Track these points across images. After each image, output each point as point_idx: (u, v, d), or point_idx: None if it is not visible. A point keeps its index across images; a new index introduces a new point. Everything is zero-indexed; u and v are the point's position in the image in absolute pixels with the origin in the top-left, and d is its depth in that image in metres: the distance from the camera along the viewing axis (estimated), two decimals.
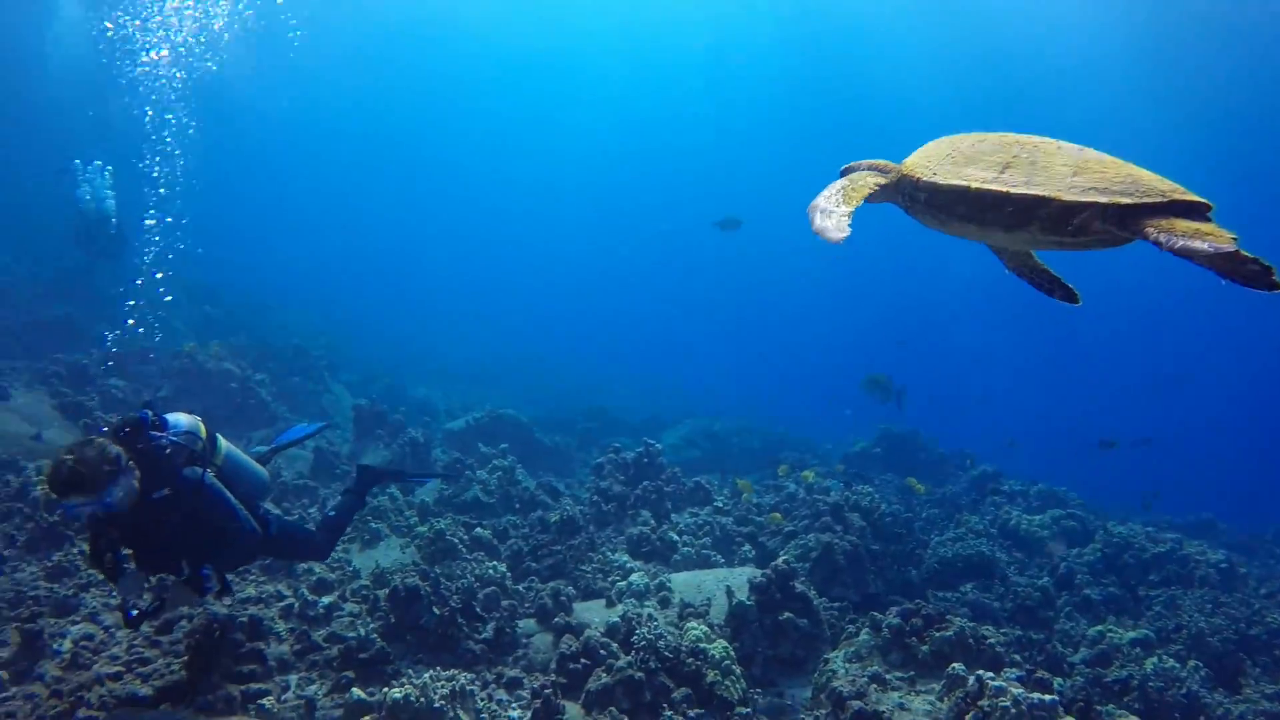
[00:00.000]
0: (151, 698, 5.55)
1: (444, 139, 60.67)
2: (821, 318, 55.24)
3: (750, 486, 11.65)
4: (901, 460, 17.99)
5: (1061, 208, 2.69)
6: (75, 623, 6.66)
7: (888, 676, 6.53)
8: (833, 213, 3.12)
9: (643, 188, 61.35)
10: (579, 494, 12.33)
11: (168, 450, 5.05)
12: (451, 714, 5.89)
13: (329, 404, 17.21)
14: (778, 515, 10.91)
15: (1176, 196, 2.59)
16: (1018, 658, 7.47)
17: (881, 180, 3.32)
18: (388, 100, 55.07)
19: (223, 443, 5.68)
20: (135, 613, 5.00)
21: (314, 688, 6.19)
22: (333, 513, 6.99)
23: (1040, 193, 2.70)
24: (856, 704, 5.97)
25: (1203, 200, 2.61)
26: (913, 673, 6.56)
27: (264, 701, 5.61)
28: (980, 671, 5.77)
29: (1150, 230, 2.55)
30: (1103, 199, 2.63)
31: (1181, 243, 2.44)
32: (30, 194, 26.96)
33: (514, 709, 6.34)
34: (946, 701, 6.01)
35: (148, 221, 17.67)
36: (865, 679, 6.45)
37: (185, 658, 5.92)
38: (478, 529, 9.00)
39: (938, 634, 6.70)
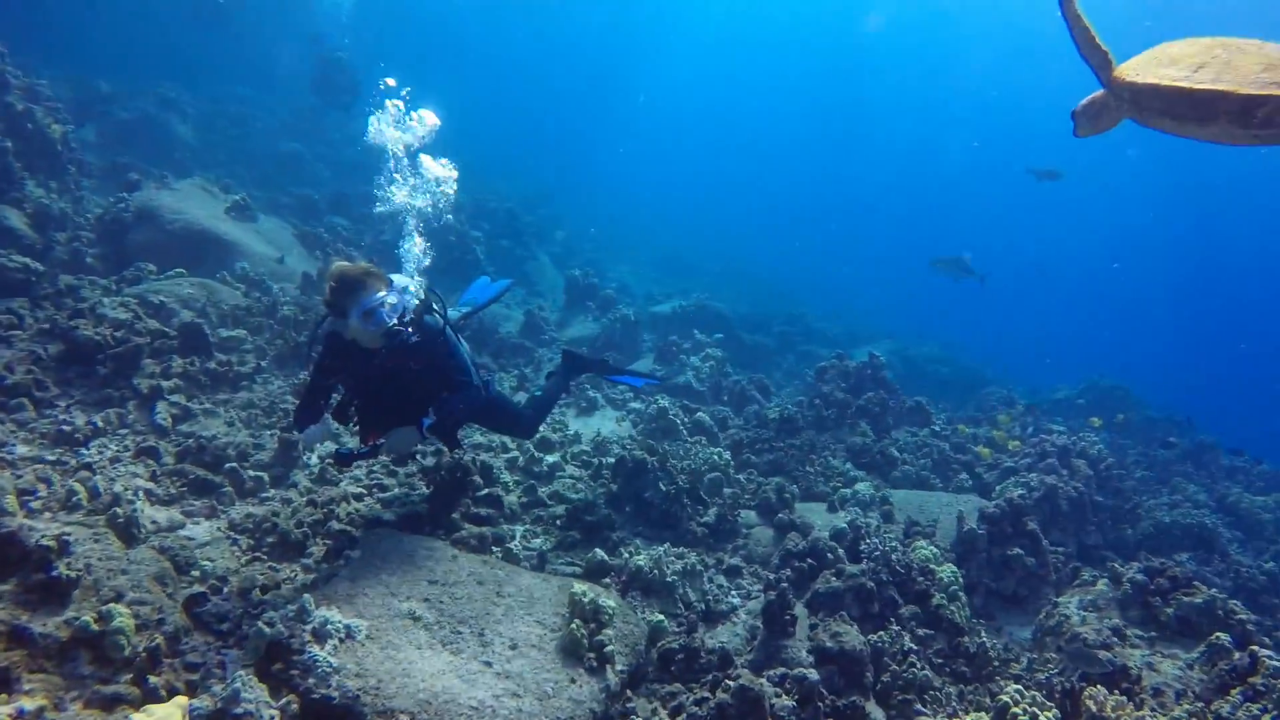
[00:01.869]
0: (394, 523, 5.57)
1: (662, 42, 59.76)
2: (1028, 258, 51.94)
3: (1005, 436, 10.83)
4: (1106, 415, 16.50)
5: (1242, 100, 2.86)
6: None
7: (1127, 633, 5.98)
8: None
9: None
10: (784, 395, 11.89)
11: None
12: (681, 590, 5.71)
13: (533, 270, 17.30)
14: (986, 450, 10.23)
15: None
16: (1266, 640, 6.64)
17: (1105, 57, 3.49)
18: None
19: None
20: (348, 451, 4.91)
21: (539, 541, 6.11)
22: (539, 392, 6.80)
23: (1220, 87, 2.91)
24: (1104, 655, 5.56)
25: None
26: (1154, 634, 6.00)
27: (511, 546, 5.53)
28: (1256, 648, 5.16)
29: None
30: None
31: None
32: (268, 24, 28.04)
33: (734, 595, 6.10)
34: (1200, 671, 5.44)
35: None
36: (1108, 630, 5.89)
37: (430, 491, 5.92)
38: (700, 413, 8.70)
39: (1185, 599, 6.04)
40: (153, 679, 3.64)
